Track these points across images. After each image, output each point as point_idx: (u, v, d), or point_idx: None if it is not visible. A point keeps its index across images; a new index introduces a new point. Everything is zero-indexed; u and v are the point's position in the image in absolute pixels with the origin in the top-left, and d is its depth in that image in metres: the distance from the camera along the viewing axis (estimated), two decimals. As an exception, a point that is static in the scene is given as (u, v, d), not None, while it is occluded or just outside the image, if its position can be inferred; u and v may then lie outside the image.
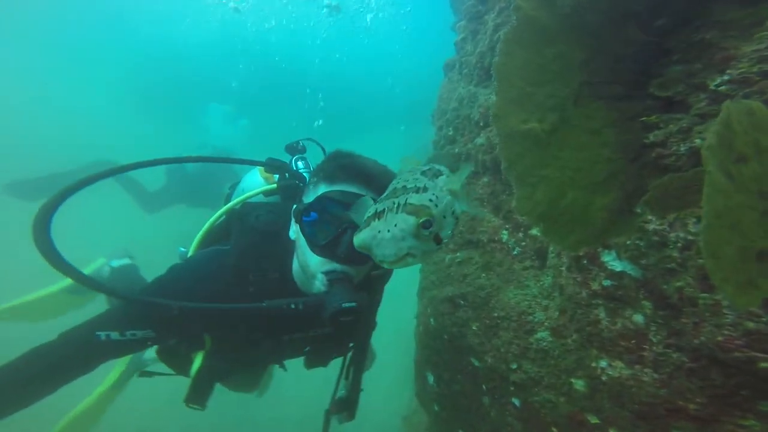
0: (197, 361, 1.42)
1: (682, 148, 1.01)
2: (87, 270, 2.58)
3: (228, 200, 1.76)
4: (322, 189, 1.20)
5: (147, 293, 1.29)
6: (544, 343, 1.44)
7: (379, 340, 1.81)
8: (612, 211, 1.10)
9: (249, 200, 1.59)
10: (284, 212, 1.39)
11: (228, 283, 1.32)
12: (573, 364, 1.32)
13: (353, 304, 1.11)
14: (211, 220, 1.59)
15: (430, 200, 0.78)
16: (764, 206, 0.73)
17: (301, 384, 3.57)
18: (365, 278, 1.34)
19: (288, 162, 1.73)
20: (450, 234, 0.82)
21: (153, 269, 1.42)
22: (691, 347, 1.00)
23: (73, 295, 2.51)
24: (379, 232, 0.74)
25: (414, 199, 0.77)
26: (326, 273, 1.18)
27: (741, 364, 0.89)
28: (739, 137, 0.72)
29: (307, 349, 1.55)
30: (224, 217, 1.60)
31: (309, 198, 1.24)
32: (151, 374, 1.63)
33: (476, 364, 1.71)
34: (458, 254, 2.10)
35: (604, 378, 1.20)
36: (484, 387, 1.68)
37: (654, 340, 1.09)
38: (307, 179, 1.54)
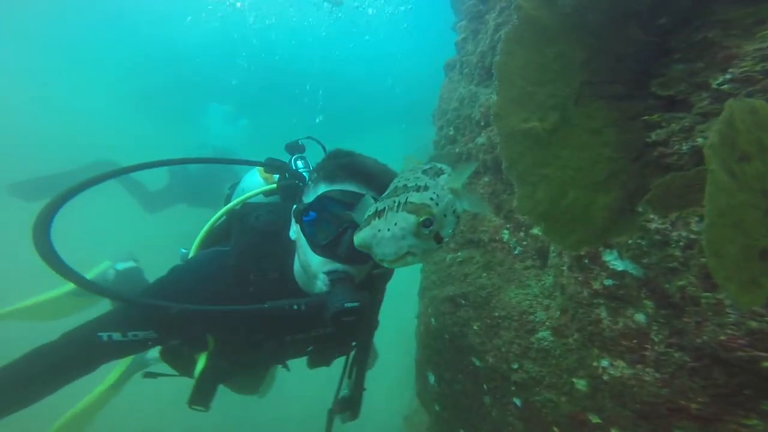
0: (201, 362, 1.42)
1: (684, 147, 1.01)
2: (92, 273, 2.60)
3: (228, 201, 1.77)
4: (322, 188, 1.20)
5: (148, 295, 1.29)
6: (546, 343, 1.43)
7: (380, 339, 1.81)
8: (613, 211, 1.10)
9: (249, 200, 1.59)
10: (284, 212, 1.39)
11: (228, 283, 1.32)
12: (574, 364, 1.32)
13: (355, 303, 1.11)
14: (212, 220, 1.59)
15: (431, 199, 0.77)
16: (767, 205, 0.73)
17: (304, 384, 3.57)
18: (367, 277, 1.34)
19: (287, 161, 1.73)
20: (451, 233, 0.81)
21: (156, 270, 1.42)
22: (694, 346, 0.99)
23: (77, 298, 2.51)
24: (379, 230, 0.74)
25: (414, 197, 0.77)
26: (328, 273, 1.18)
27: (744, 363, 0.88)
28: (742, 136, 0.72)
29: (309, 348, 1.55)
30: (224, 217, 1.61)
31: (309, 198, 1.24)
32: (155, 375, 1.63)
33: (477, 363, 1.71)
34: (459, 254, 2.10)
35: (605, 377, 1.20)
36: (485, 387, 1.68)
37: (656, 339, 1.09)
38: (307, 179, 1.54)
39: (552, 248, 1.57)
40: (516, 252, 1.81)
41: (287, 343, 1.44)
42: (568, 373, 1.33)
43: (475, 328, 1.74)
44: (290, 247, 1.33)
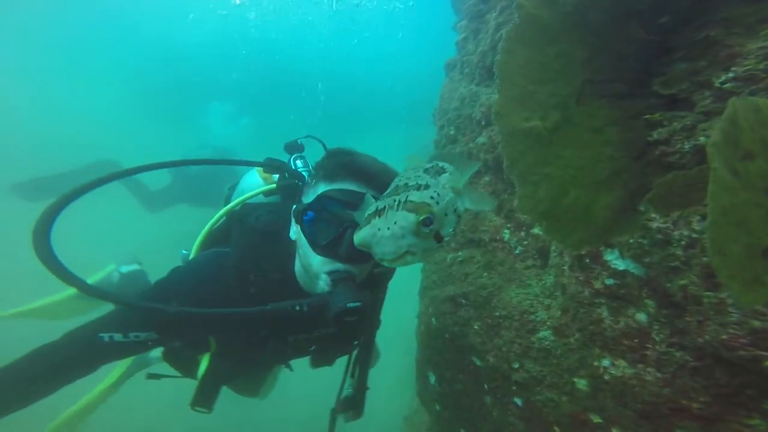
0: (203, 363, 1.41)
1: (686, 146, 1.01)
2: (97, 276, 2.64)
3: (228, 201, 1.76)
4: (322, 188, 1.20)
5: (148, 297, 1.29)
6: (547, 343, 1.43)
7: (380, 339, 1.80)
8: (615, 210, 1.10)
9: (249, 201, 1.58)
10: (284, 212, 1.39)
11: (229, 284, 1.32)
12: (575, 364, 1.31)
13: (357, 303, 1.10)
14: (212, 221, 1.59)
15: (431, 198, 0.77)
16: (770, 204, 0.73)
17: (306, 383, 3.57)
18: (368, 276, 1.33)
19: (286, 161, 1.73)
20: (451, 232, 0.81)
21: (159, 272, 1.42)
22: (695, 346, 0.99)
23: (82, 301, 2.53)
24: (379, 229, 0.74)
25: (415, 196, 0.77)
26: (329, 273, 1.18)
27: (746, 362, 0.88)
28: (745, 134, 0.72)
29: (312, 348, 1.54)
30: (224, 218, 1.60)
31: (308, 197, 1.23)
32: (158, 376, 1.63)
33: (478, 363, 1.70)
34: (460, 253, 2.10)
35: (606, 377, 1.19)
36: (485, 386, 1.68)
37: (657, 338, 1.08)
38: (306, 178, 1.54)
39: (553, 248, 1.57)
40: (517, 251, 1.80)
41: (290, 344, 1.44)
42: (569, 372, 1.33)
43: (475, 327, 1.74)
44: (291, 247, 1.32)
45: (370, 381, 1.72)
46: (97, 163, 4.96)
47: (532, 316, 1.52)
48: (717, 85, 0.98)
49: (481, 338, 1.69)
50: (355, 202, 1.14)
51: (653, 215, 1.04)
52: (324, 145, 1.66)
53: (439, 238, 0.77)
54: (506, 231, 1.89)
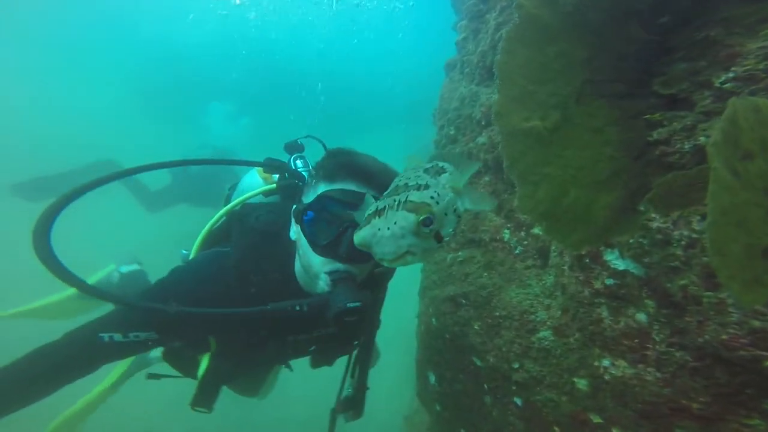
0: (203, 363, 1.41)
1: (686, 146, 1.01)
2: (97, 276, 2.64)
3: (227, 201, 1.76)
4: (322, 188, 1.20)
5: (148, 296, 1.29)
6: (546, 342, 1.43)
7: (380, 339, 1.80)
8: (615, 210, 1.10)
9: (249, 201, 1.58)
10: (284, 212, 1.39)
11: (229, 284, 1.32)
12: (575, 363, 1.32)
13: (357, 303, 1.10)
14: (211, 222, 1.59)
15: (431, 197, 0.77)
16: (770, 203, 0.73)
17: (306, 383, 3.57)
18: (368, 276, 1.33)
19: (286, 161, 1.73)
20: (451, 232, 0.81)
21: (160, 272, 1.42)
22: (695, 346, 0.99)
23: (83, 301, 2.53)
24: (379, 229, 0.74)
25: (415, 196, 0.77)
26: (329, 273, 1.18)
27: (746, 362, 0.88)
28: (745, 134, 0.72)
29: (312, 348, 1.54)
30: (224, 218, 1.60)
31: (308, 197, 1.23)
32: (158, 376, 1.63)
33: (478, 363, 1.70)
34: (460, 253, 2.10)
35: (606, 377, 1.19)
36: (485, 386, 1.68)
37: (657, 338, 1.08)
38: (306, 178, 1.54)
39: (553, 248, 1.57)
40: (517, 251, 1.80)
41: (289, 344, 1.44)
42: (569, 372, 1.33)
43: (475, 327, 1.74)
44: (291, 247, 1.32)
45: (370, 381, 1.72)
46: (97, 163, 4.96)
47: (532, 316, 1.52)
48: (717, 85, 0.98)
49: (481, 338, 1.69)
50: (355, 202, 1.14)
51: (653, 215, 1.04)
52: (324, 145, 1.66)
53: (439, 238, 0.77)
54: (506, 231, 1.89)
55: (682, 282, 0.98)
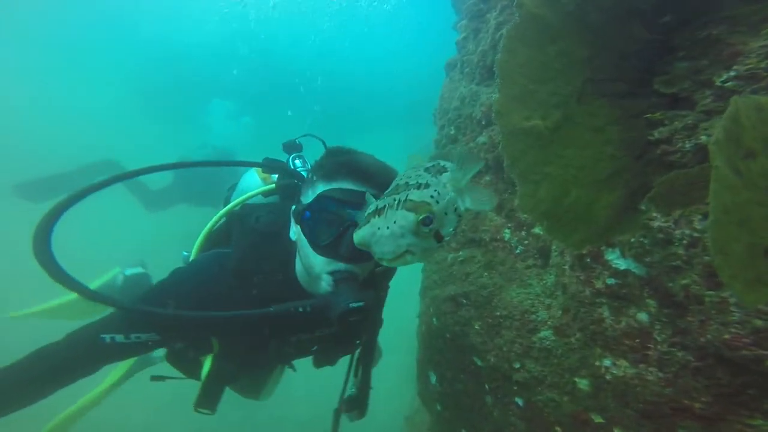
0: (206, 364, 1.41)
1: (687, 145, 1.00)
2: (102, 279, 2.67)
3: (227, 202, 1.76)
4: (321, 188, 1.19)
5: (148, 298, 1.29)
6: (547, 342, 1.43)
7: (381, 339, 1.80)
8: (616, 209, 1.10)
9: (248, 201, 1.58)
10: (284, 212, 1.38)
11: (230, 285, 1.31)
12: (576, 363, 1.31)
13: (360, 303, 1.10)
14: (211, 222, 1.58)
15: (431, 197, 0.77)
16: (772, 203, 0.72)
17: (309, 383, 3.58)
18: (369, 275, 1.33)
19: (285, 161, 1.72)
20: (452, 232, 0.81)
21: (163, 274, 1.42)
22: (697, 346, 0.99)
23: (90, 302, 2.53)
24: (379, 228, 0.74)
25: (414, 195, 0.76)
26: (331, 273, 1.17)
27: (748, 362, 0.88)
28: (748, 132, 0.71)
29: (314, 348, 1.54)
30: (224, 219, 1.60)
31: (307, 197, 1.23)
32: (162, 378, 1.63)
33: (479, 363, 1.70)
34: (460, 253, 2.10)
35: (608, 377, 1.19)
36: (486, 386, 1.67)
37: (659, 338, 1.08)
38: (306, 177, 1.53)
39: (554, 247, 1.56)
40: (517, 251, 1.80)
41: (292, 344, 1.44)
42: (570, 372, 1.32)
43: (476, 327, 1.73)
44: (291, 247, 1.32)
45: (372, 380, 1.71)
46: (98, 163, 4.96)
47: (533, 316, 1.52)
48: (718, 83, 0.98)
49: (481, 338, 1.69)
50: (354, 201, 1.13)
51: (654, 214, 1.03)
52: (324, 144, 1.66)
53: (439, 238, 0.77)
54: (507, 231, 1.89)
55: (684, 281, 0.98)
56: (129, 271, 2.73)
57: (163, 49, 11.66)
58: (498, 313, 1.65)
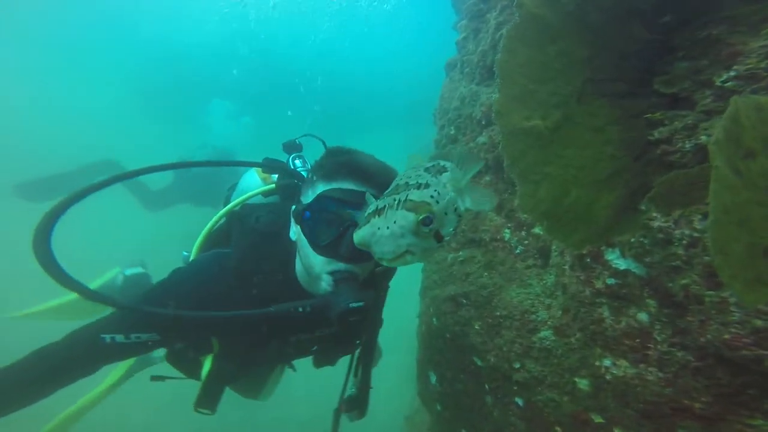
0: (206, 364, 1.41)
1: (687, 145, 1.00)
2: (102, 279, 2.69)
3: (227, 202, 1.76)
4: (321, 188, 1.19)
5: (149, 298, 1.29)
6: (548, 342, 1.43)
7: (381, 339, 1.80)
8: (616, 209, 1.10)
9: (248, 201, 1.58)
10: (284, 212, 1.38)
11: (230, 285, 1.31)
12: (576, 363, 1.31)
13: (360, 303, 1.10)
14: (211, 223, 1.58)
15: (431, 196, 0.77)
16: (772, 202, 0.72)
17: (308, 383, 3.57)
18: (369, 275, 1.33)
19: (285, 161, 1.72)
20: (452, 232, 0.81)
21: (163, 273, 1.42)
22: (697, 346, 0.99)
23: (90, 302, 2.54)
24: (379, 228, 0.74)
25: (414, 195, 0.76)
26: (331, 273, 1.17)
27: (748, 362, 0.88)
28: (747, 132, 0.71)
29: (314, 348, 1.54)
30: (224, 219, 1.60)
31: (307, 197, 1.23)
32: (162, 378, 1.63)
33: (479, 363, 1.70)
34: (460, 253, 2.10)
35: (608, 377, 1.19)
36: (486, 386, 1.67)
37: (659, 338, 1.08)
38: (305, 177, 1.53)
39: (554, 247, 1.56)
40: (517, 251, 1.80)
41: (292, 344, 1.44)
42: (570, 372, 1.32)
43: (476, 327, 1.73)
44: (291, 247, 1.32)
45: (372, 380, 1.71)
46: (98, 163, 4.96)
47: (533, 316, 1.52)
48: (718, 84, 0.98)
49: (481, 338, 1.69)
50: (354, 201, 1.13)
51: (654, 214, 1.03)
52: (324, 143, 1.66)
53: (439, 238, 0.77)
54: (507, 231, 1.89)
55: (684, 281, 0.98)
56: (129, 271, 2.75)
57: (163, 49, 11.65)
58: (498, 313, 1.65)
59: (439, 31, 5.09)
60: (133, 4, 11.11)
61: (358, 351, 1.66)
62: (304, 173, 1.65)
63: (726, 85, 0.96)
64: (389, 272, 1.52)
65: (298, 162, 1.74)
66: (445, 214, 0.78)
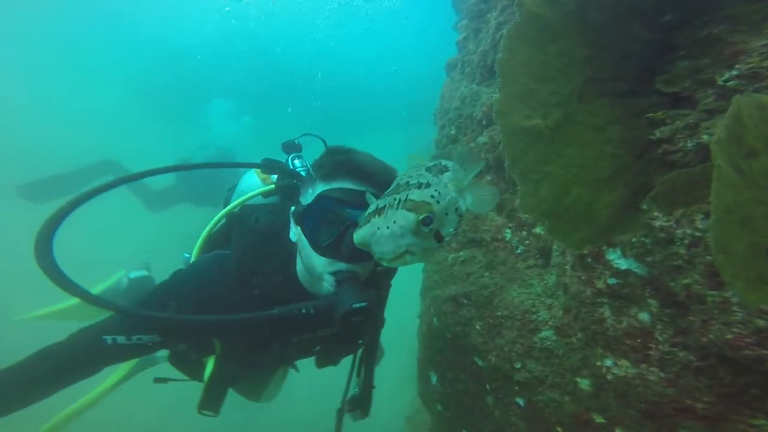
0: (209, 366, 1.41)
1: (689, 144, 1.00)
2: (108, 282, 2.74)
3: (227, 203, 1.75)
4: (320, 188, 1.19)
5: (149, 300, 1.29)
6: (549, 342, 1.43)
7: (382, 339, 1.80)
8: (617, 208, 1.09)
9: (248, 202, 1.58)
10: (284, 213, 1.38)
11: (231, 287, 1.31)
12: (578, 363, 1.31)
13: (364, 303, 1.10)
14: (211, 224, 1.58)
15: (432, 196, 0.76)
16: (775, 202, 0.72)
17: (311, 383, 3.57)
18: (371, 274, 1.33)
19: (284, 161, 1.72)
20: (452, 232, 0.80)
21: (166, 275, 1.42)
22: (699, 345, 0.98)
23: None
24: (378, 228, 0.73)
25: (415, 195, 0.76)
26: (333, 273, 1.17)
27: (751, 362, 0.87)
28: (750, 131, 0.71)
29: (317, 348, 1.54)
30: (224, 220, 1.60)
31: (306, 198, 1.23)
32: (165, 380, 1.62)
33: (480, 363, 1.70)
34: (461, 253, 2.09)
35: (609, 377, 1.19)
36: (487, 386, 1.67)
37: (660, 338, 1.08)
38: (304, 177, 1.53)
39: (555, 247, 1.56)
40: (518, 251, 1.80)
41: (294, 344, 1.44)
42: (571, 372, 1.32)
43: (477, 327, 1.73)
44: (292, 247, 1.32)
45: (375, 380, 1.71)
46: (98, 163, 4.96)
47: (534, 316, 1.52)
48: (720, 83, 0.98)
49: (482, 338, 1.69)
50: (354, 200, 1.13)
51: (656, 214, 1.03)
52: (324, 142, 1.65)
53: (439, 238, 0.76)
54: (508, 231, 1.88)
55: (686, 281, 0.98)
56: (133, 274, 2.80)
57: (163, 49, 11.65)
58: (499, 313, 1.64)
59: (439, 31, 5.09)
60: (133, 4, 11.11)
61: (360, 351, 1.66)
62: (303, 173, 1.65)
63: (728, 84, 0.96)
64: (391, 271, 1.52)
65: (297, 162, 1.73)
66: (446, 214, 0.78)
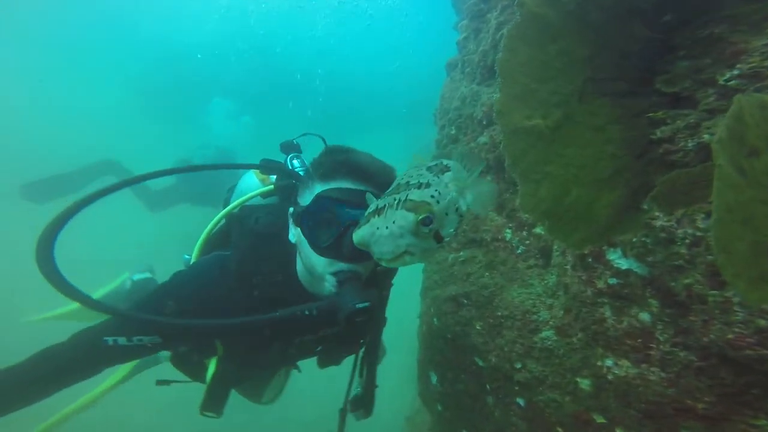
0: (211, 367, 1.41)
1: (689, 144, 1.00)
2: (113, 284, 2.81)
3: (226, 203, 1.75)
4: (319, 188, 1.18)
5: (149, 301, 1.30)
6: (549, 342, 1.42)
7: (383, 338, 1.80)
8: (617, 208, 1.09)
9: (247, 203, 1.57)
10: (283, 213, 1.38)
11: (231, 288, 1.31)
12: (578, 363, 1.31)
13: (366, 303, 1.09)
14: (211, 225, 1.58)
15: (432, 196, 0.76)
16: (776, 201, 0.72)
17: (314, 384, 3.57)
18: (372, 273, 1.32)
19: (283, 161, 1.72)
20: (452, 232, 0.80)
21: (166, 276, 1.42)
22: (700, 345, 0.98)
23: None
24: (378, 228, 0.73)
25: (415, 195, 0.76)
26: (334, 273, 1.17)
27: (752, 362, 0.87)
28: (751, 130, 0.71)
29: (319, 348, 1.53)
30: (224, 221, 1.59)
31: (305, 198, 1.22)
32: (168, 382, 1.62)
33: (480, 363, 1.69)
34: (461, 253, 2.09)
35: (610, 377, 1.19)
36: (488, 386, 1.67)
37: (661, 338, 1.07)
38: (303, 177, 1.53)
39: (555, 247, 1.56)
40: (519, 251, 1.79)
41: (295, 345, 1.43)
42: (572, 372, 1.32)
43: (477, 327, 1.73)
44: (291, 248, 1.31)
45: (377, 379, 1.71)
46: (99, 163, 4.96)
47: (535, 316, 1.51)
48: (721, 82, 0.97)
49: (483, 338, 1.69)
50: (353, 200, 1.13)
51: (657, 213, 1.03)
52: (324, 141, 1.65)
53: (439, 238, 0.76)
54: (508, 231, 1.88)
55: (687, 281, 0.98)
56: (137, 276, 2.84)
57: (163, 49, 11.65)
58: (499, 313, 1.64)
59: (439, 31, 5.10)
60: (133, 4, 11.11)
61: (362, 350, 1.66)
62: (302, 174, 1.64)
63: (729, 83, 0.96)
64: (392, 270, 1.51)
65: (296, 162, 1.73)
66: (446, 214, 0.77)
